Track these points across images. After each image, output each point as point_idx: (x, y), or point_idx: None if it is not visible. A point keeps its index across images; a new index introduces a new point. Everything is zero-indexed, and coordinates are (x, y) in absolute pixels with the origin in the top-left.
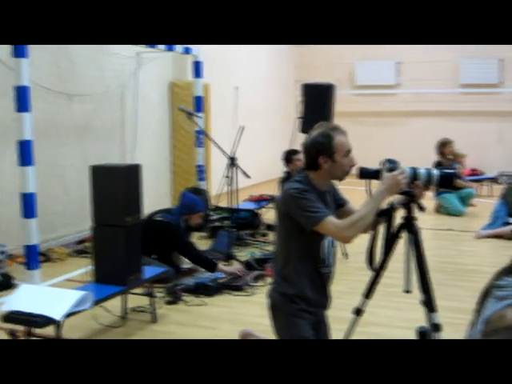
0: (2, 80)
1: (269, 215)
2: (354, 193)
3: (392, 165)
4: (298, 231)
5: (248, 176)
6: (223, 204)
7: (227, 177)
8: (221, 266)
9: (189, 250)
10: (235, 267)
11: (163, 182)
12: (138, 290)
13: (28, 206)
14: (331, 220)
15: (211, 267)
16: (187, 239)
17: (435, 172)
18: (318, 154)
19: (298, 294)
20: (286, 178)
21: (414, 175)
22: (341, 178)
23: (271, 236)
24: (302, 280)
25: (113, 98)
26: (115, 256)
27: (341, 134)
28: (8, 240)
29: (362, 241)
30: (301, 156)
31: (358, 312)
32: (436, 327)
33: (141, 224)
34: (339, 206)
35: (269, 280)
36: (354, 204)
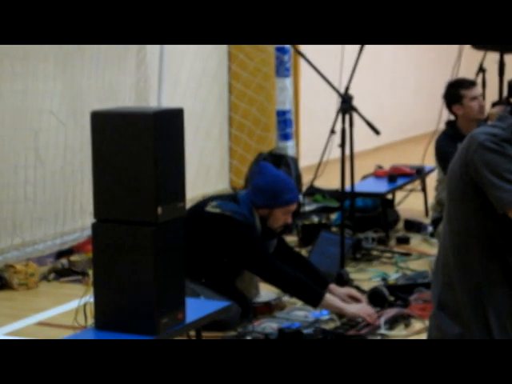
0: None
1: (413, 203)
2: None
3: None
4: (486, 218)
5: (376, 131)
6: (325, 183)
7: (335, 132)
8: (330, 297)
9: (267, 262)
10: (362, 305)
11: (216, 143)
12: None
13: None
14: None
15: (314, 296)
16: (262, 246)
17: None
18: None
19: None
20: (450, 134)
21: None
22: None
23: (418, 242)
24: (486, 313)
25: None
26: (136, 280)
27: None
28: None
29: None
30: (479, 91)
31: None
32: None
33: (182, 221)
34: None
35: (417, 325)
36: None
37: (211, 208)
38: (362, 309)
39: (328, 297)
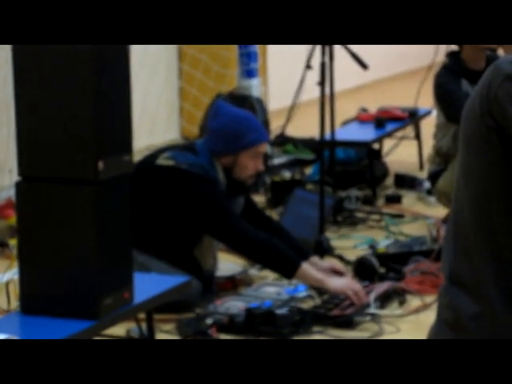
0: None
1: (405, 154)
2: None
3: None
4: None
5: (364, 64)
6: (297, 131)
7: (311, 67)
8: (308, 267)
9: (230, 223)
10: (347, 280)
11: (163, 82)
12: (121, 329)
13: None
14: None
15: (288, 266)
16: (226, 203)
17: None
18: None
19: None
20: (453, 69)
21: None
22: None
23: (411, 201)
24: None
25: None
26: (72, 252)
27: None
28: None
29: None
30: None
31: None
32: None
33: (129, 178)
34: None
35: (414, 302)
36: None
37: (163, 160)
38: (347, 284)
39: (305, 267)
